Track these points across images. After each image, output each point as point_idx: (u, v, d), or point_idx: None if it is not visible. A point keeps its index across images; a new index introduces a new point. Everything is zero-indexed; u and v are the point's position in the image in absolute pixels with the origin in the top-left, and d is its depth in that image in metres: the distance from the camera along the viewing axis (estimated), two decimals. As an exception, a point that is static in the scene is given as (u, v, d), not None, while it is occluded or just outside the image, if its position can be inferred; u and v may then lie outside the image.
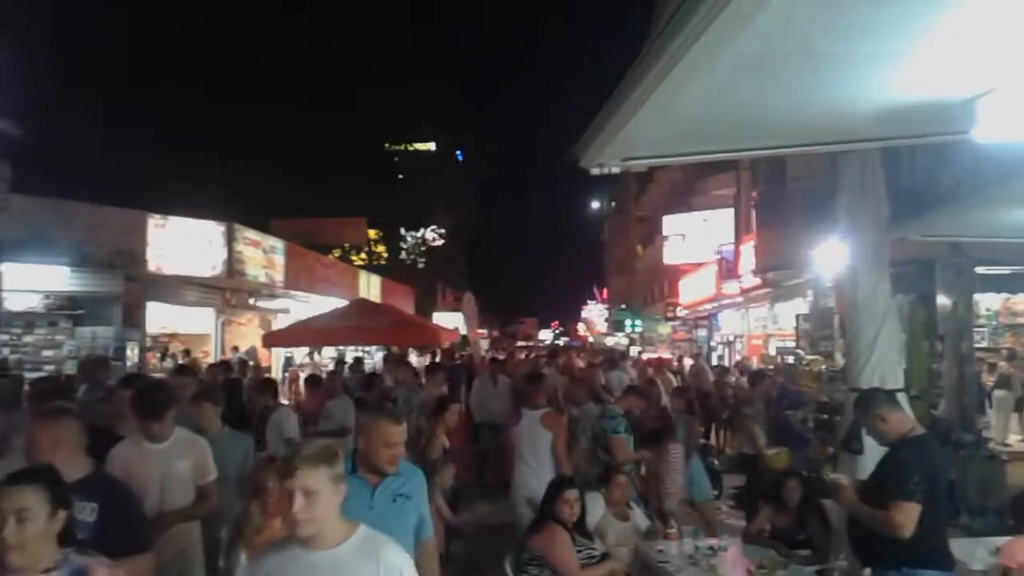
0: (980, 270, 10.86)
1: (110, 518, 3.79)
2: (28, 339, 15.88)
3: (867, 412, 4.77)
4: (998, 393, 13.39)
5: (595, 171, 4.49)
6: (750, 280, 20.18)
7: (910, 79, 3.57)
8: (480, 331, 34.35)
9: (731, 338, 26.80)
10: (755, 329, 23.60)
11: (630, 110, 3.57)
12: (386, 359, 16.07)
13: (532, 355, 25.54)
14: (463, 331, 26.22)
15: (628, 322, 45.44)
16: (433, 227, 56.51)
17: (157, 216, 16.77)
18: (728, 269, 23.16)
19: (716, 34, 2.71)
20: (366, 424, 3.97)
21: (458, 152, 60.19)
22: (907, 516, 4.30)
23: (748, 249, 20.38)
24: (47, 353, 15.76)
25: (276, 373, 21.39)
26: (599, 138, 4.04)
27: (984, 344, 14.21)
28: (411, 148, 56.78)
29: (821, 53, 3.24)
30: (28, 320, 15.89)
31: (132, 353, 16.29)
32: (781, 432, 9.90)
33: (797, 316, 16.94)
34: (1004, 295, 14.71)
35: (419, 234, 55.86)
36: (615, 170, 4.53)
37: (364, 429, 3.96)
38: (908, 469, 4.40)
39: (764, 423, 9.97)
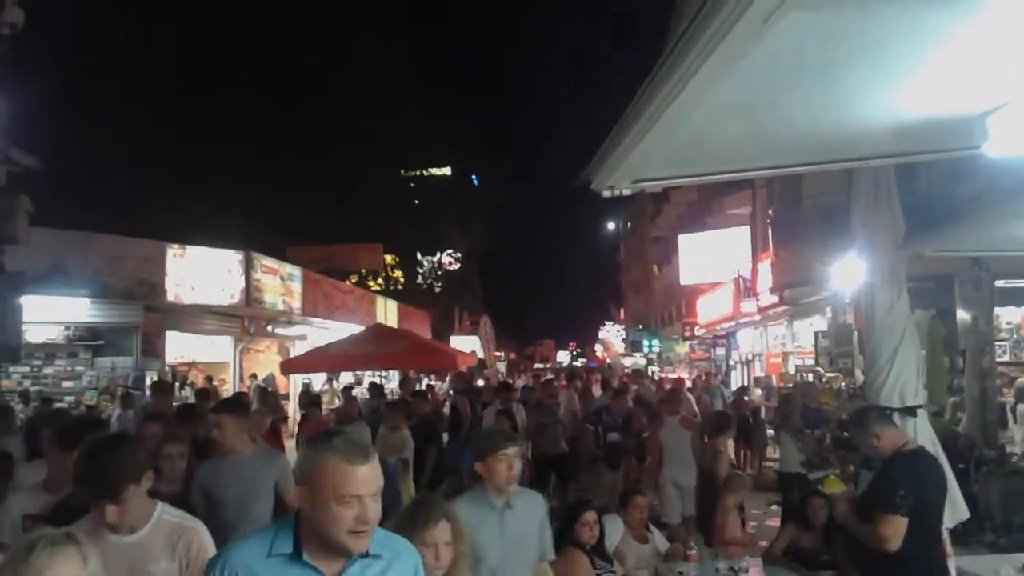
0: (999, 283, 10.80)
1: None
2: (48, 370, 16.03)
3: (862, 430, 4.82)
4: (1021, 407, 13.25)
5: (606, 194, 4.50)
6: (768, 298, 20.08)
7: (921, 95, 3.57)
8: (497, 354, 34.33)
9: (750, 356, 26.67)
10: (774, 347, 23.47)
11: (640, 132, 3.58)
12: (402, 384, 16.06)
13: (551, 377, 25.26)
14: (480, 354, 26.20)
15: (645, 342, 45.33)
16: (449, 251, 56.68)
17: (176, 246, 16.90)
18: (745, 287, 23.07)
19: (725, 53, 2.72)
20: (308, 466, 2.39)
21: (473, 176, 60.40)
22: (893, 530, 4.35)
23: (765, 267, 20.31)
24: (67, 384, 15.88)
25: (294, 400, 21.44)
26: (609, 161, 4.05)
27: (1005, 358, 14.09)
28: (427, 173, 57.07)
29: (831, 71, 3.24)
30: (48, 351, 16.04)
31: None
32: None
33: (816, 333, 16.86)
34: (1025, 308, 14.58)
35: (435, 258, 56.00)
36: (626, 192, 4.54)
37: (307, 476, 2.38)
38: (894, 483, 4.46)
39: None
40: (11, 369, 15.39)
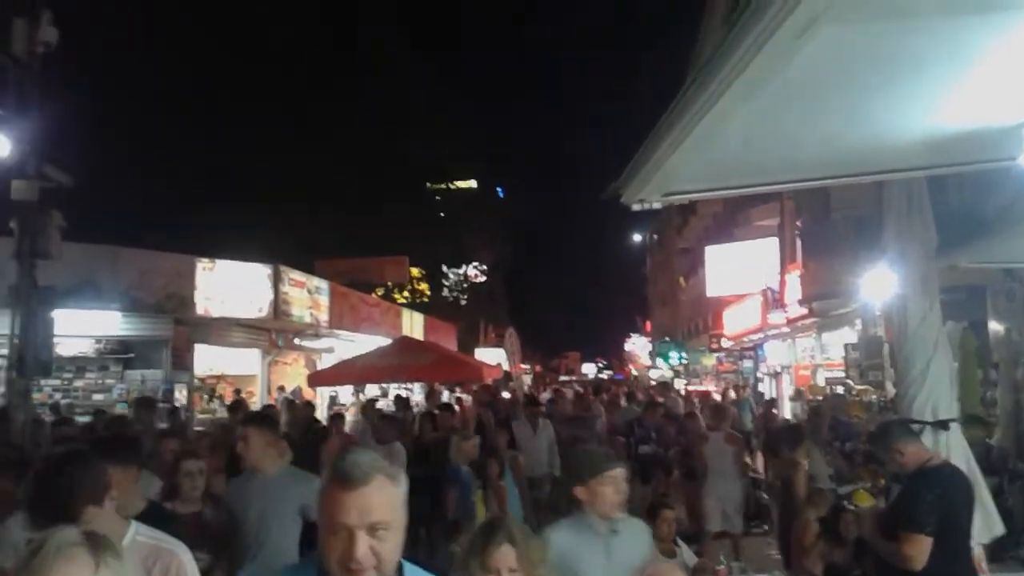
0: (1032, 295, 10.63)
1: None
2: (79, 383, 16.19)
3: (885, 447, 4.76)
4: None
5: (636, 207, 4.49)
6: (796, 310, 19.93)
7: (955, 108, 3.55)
8: (523, 366, 34.25)
9: (778, 369, 26.43)
10: (802, 359, 23.26)
11: (671, 146, 3.57)
12: (428, 396, 16.08)
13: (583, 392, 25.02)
14: (506, 367, 26.20)
15: (673, 354, 45.11)
16: (475, 264, 56.78)
17: (205, 260, 17.05)
18: (773, 299, 22.90)
19: (758, 69, 2.71)
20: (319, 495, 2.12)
21: (499, 188, 60.52)
22: (917, 548, 4.27)
23: (794, 279, 20.16)
24: (97, 397, 16.03)
25: (322, 412, 21.52)
26: (640, 174, 4.04)
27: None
28: (452, 186, 57.23)
29: (864, 84, 3.23)
30: (80, 364, 16.21)
31: (181, 395, 16.50)
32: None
33: (846, 346, 16.71)
34: (1059, 320, 14.34)
35: (461, 271, 56.12)
36: (656, 206, 4.53)
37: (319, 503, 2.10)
38: (918, 501, 4.39)
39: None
40: (43, 382, 15.54)
